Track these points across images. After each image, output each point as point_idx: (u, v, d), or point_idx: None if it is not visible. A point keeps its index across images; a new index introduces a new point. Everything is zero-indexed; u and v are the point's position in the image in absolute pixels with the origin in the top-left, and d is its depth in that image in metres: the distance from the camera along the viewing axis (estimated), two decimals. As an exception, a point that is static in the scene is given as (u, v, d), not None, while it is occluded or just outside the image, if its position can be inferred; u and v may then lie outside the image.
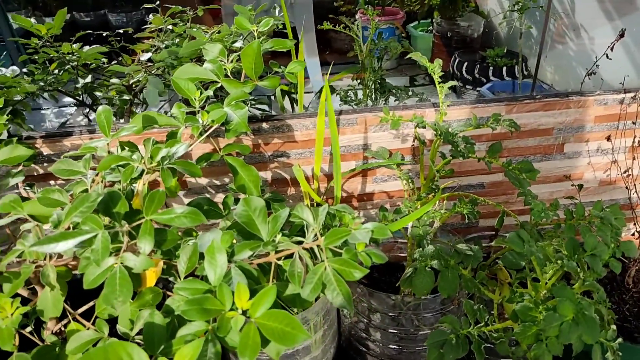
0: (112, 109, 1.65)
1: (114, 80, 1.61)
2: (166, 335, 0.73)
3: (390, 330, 1.30)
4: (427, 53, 3.47)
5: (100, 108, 0.93)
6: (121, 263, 0.70)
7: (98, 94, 1.64)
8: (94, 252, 0.65)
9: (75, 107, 2.03)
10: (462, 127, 1.03)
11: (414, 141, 1.31)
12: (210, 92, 1.08)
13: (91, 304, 0.96)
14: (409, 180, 1.19)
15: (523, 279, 1.05)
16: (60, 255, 0.87)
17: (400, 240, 1.51)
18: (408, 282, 1.12)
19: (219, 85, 1.14)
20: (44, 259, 0.77)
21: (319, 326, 1.29)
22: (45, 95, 1.52)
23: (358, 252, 0.76)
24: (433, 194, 1.15)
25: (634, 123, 1.46)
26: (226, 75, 1.17)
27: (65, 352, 0.79)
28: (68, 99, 1.77)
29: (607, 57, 1.50)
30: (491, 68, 2.86)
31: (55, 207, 0.83)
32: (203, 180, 1.40)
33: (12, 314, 0.75)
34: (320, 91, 1.84)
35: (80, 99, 1.67)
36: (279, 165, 1.42)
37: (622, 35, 1.48)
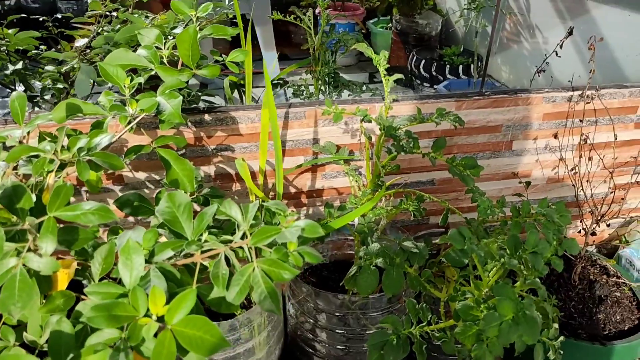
0: (52, 99, 1.56)
1: (49, 67, 1.51)
2: (76, 343, 0.67)
3: (337, 331, 1.26)
4: (386, 50, 3.46)
5: (13, 94, 0.85)
6: (23, 264, 0.63)
7: (36, 83, 1.54)
8: (-16, 252, 0.58)
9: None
10: (405, 121, 1.00)
11: (360, 136, 1.28)
12: (141, 79, 1.01)
13: None
14: (356, 177, 1.16)
15: (467, 276, 1.03)
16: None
17: (350, 237, 1.47)
18: (352, 281, 1.09)
19: (154, 73, 1.07)
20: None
21: (262, 327, 1.24)
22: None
23: (289, 251, 0.71)
24: (379, 190, 1.12)
25: (581, 121, 1.46)
26: (162, 63, 1.10)
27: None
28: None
29: (557, 54, 1.51)
30: (448, 66, 2.87)
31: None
32: (141, 175, 1.33)
33: None
34: (276, 84, 1.79)
35: (13, 87, 1.56)
36: (222, 159, 1.36)
37: (570, 33, 1.49)
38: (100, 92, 1.05)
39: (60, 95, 1.54)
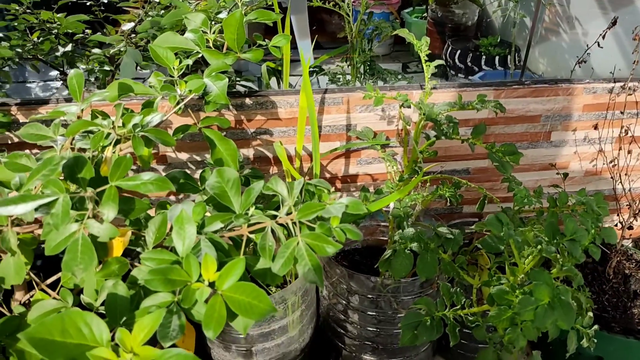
0: (96, 82, 1.62)
1: (96, 50, 1.57)
2: (130, 306, 0.71)
3: (368, 313, 1.29)
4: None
5: (72, 71, 0.89)
6: (84, 230, 0.68)
7: (82, 66, 1.60)
8: (54, 216, 0.62)
9: (62, 82, 1.99)
10: (446, 106, 1.01)
11: (398, 121, 1.29)
12: (190, 61, 1.05)
13: (59, 274, 0.93)
14: (393, 162, 1.17)
15: (502, 263, 1.04)
16: (28, 223, 0.84)
17: (382, 223, 1.49)
18: (387, 264, 1.11)
19: (200, 56, 1.11)
20: (6, 225, 0.74)
21: (296, 306, 1.27)
22: (28, 69, 1.48)
23: (332, 227, 0.74)
24: (415, 176, 1.13)
25: (622, 113, 1.44)
26: (208, 47, 1.13)
27: (27, 321, 0.76)
28: (54, 73, 1.72)
29: (599, 45, 1.48)
30: (484, 57, 2.84)
31: (22, 172, 0.80)
32: (183, 156, 1.37)
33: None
34: (312, 72, 1.81)
35: (62, 69, 1.63)
36: (261, 142, 1.39)
37: (614, 23, 1.46)
38: (140, 77, 1.09)
39: (106, 78, 1.59)
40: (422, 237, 1.09)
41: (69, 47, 1.51)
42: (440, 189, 1.13)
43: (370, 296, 1.27)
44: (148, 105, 1.00)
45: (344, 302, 1.32)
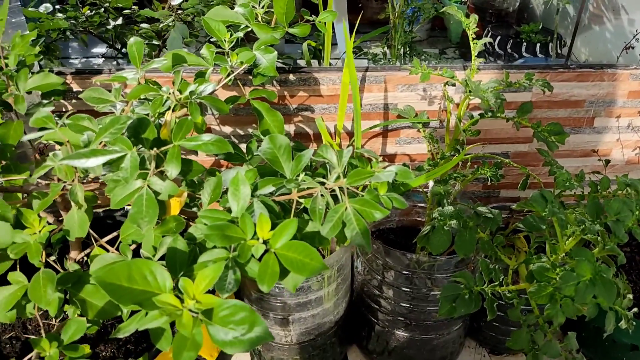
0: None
1: (144, 25, 1.61)
2: (187, 261, 0.75)
3: (403, 289, 1.31)
4: (459, 25, 3.40)
5: (132, 39, 0.93)
6: (148, 186, 0.72)
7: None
8: (123, 170, 0.66)
9: (103, 59, 2.07)
10: (493, 83, 1.01)
11: (441, 100, 1.29)
12: (240, 34, 1.08)
13: (115, 234, 0.99)
14: (434, 140, 1.18)
15: (542, 243, 1.05)
16: (89, 181, 0.89)
17: (419, 204, 1.50)
18: (425, 239, 1.12)
19: (249, 30, 1.14)
20: (72, 181, 0.79)
21: (332, 279, 1.30)
22: (73, 48, 1.53)
23: (380, 195, 0.76)
24: (457, 154, 1.14)
25: (669, 100, 1.41)
26: (256, 21, 1.16)
27: (89, 273, 0.81)
28: (96, 50, 1.78)
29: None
30: (524, 44, 2.79)
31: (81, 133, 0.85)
32: (227, 129, 1.41)
33: (40, 231, 0.78)
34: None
35: (111, 42, 1.68)
36: (302, 119, 1.42)
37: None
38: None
39: (152, 53, 1.64)
40: (462, 215, 1.10)
41: (119, 21, 1.56)
42: (481, 169, 1.14)
43: (405, 273, 1.29)
44: (200, 76, 1.03)
45: (379, 277, 1.35)
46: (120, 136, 0.69)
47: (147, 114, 0.89)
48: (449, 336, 1.41)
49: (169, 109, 0.90)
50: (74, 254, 1.04)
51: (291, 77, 1.35)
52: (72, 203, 0.77)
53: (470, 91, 0.94)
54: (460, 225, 1.09)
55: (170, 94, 0.85)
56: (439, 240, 1.09)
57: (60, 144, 0.87)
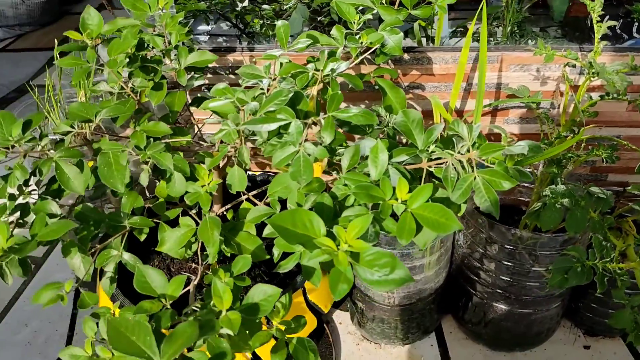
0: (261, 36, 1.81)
1: (265, 6, 1.75)
2: (331, 215, 0.87)
3: (504, 262, 1.37)
4: (563, 3, 3.25)
5: (279, 23, 1.06)
6: (303, 150, 0.84)
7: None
8: (290, 135, 0.79)
9: (208, 36, 2.27)
10: (618, 66, 1.03)
11: (556, 80, 1.31)
12: (369, 16, 1.17)
13: (256, 191, 1.13)
14: (549, 120, 1.22)
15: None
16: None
17: (524, 184, 1.53)
18: (535, 216, 1.18)
19: (374, 11, 1.22)
20: (239, 141, 0.93)
21: (435, 249, 1.39)
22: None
23: (509, 167, 0.83)
24: (572, 135, 1.17)
25: None
26: (381, 4, 1.24)
27: (244, 222, 0.96)
28: (201, 28, 1.93)
29: None
30: (636, 24, 2.64)
31: (240, 104, 0.99)
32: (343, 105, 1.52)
33: (209, 183, 0.93)
34: (454, 33, 1.86)
35: (235, 22, 1.84)
36: (413, 97, 1.49)
37: None
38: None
39: (269, 32, 1.78)
40: (573, 194, 1.14)
41: (246, 2, 1.71)
42: (596, 149, 1.16)
43: (508, 247, 1.35)
44: (332, 55, 1.14)
45: (481, 250, 1.41)
46: (284, 106, 0.81)
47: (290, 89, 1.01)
48: (547, 312, 1.45)
49: (310, 82, 1.01)
50: (216, 208, 1.20)
51: (406, 56, 1.42)
52: (234, 161, 0.91)
53: (595, 73, 0.97)
54: (572, 203, 1.13)
55: (314, 71, 0.97)
56: (550, 217, 1.13)
57: (216, 113, 1.02)
